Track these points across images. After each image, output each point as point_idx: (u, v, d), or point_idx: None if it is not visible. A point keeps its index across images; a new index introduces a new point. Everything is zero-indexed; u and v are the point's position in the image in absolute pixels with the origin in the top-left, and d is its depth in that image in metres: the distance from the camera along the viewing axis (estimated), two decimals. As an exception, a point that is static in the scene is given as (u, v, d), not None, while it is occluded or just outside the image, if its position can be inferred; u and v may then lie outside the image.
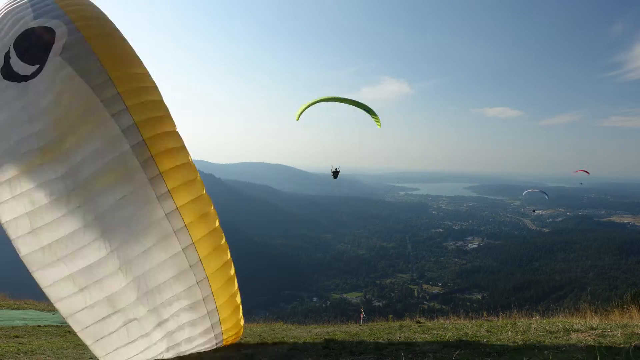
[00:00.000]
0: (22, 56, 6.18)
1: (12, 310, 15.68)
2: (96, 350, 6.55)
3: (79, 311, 6.28)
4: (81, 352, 8.44)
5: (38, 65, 6.11)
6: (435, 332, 6.46)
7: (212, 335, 6.82)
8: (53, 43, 6.13)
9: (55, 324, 13.58)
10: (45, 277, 6.20)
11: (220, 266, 6.91)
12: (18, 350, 8.55)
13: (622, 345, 4.00)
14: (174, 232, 6.25)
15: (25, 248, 6.22)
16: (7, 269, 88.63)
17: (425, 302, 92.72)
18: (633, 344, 4.22)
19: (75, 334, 11.92)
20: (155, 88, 6.70)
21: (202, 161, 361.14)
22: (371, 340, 6.06)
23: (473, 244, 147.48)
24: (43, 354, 8.19)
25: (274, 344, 6.95)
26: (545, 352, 4.17)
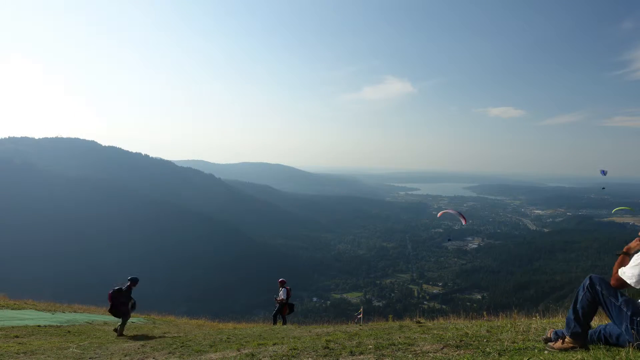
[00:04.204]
0: None
1: (12, 310, 15.68)
2: None
3: None
4: (81, 352, 8.44)
5: None
6: (436, 332, 6.45)
7: None
8: None
9: (55, 324, 13.58)
10: None
11: None
12: (18, 350, 8.54)
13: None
14: None
15: None
16: (7, 269, 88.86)
17: (425, 302, 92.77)
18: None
19: (75, 334, 11.93)
20: None
21: (202, 161, 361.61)
22: (371, 340, 6.06)
23: (473, 244, 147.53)
24: (43, 354, 8.19)
25: (274, 344, 6.95)
26: (545, 352, 4.16)
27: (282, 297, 15.14)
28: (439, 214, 27.43)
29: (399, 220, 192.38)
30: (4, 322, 12.89)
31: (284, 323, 14.90)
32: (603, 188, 26.93)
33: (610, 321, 4.15)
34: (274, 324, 14.75)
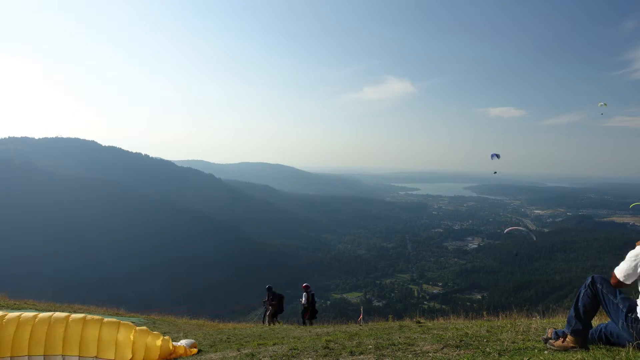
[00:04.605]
0: None
1: (12, 311, 15.67)
2: None
3: None
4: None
5: None
6: (436, 332, 6.45)
7: None
8: None
9: (55, 324, 13.56)
10: None
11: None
12: (18, 350, 8.53)
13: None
14: None
15: None
16: (7, 269, 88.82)
17: (425, 302, 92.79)
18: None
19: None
20: None
21: (202, 161, 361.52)
22: (371, 340, 6.06)
23: (473, 244, 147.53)
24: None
25: (274, 344, 6.95)
26: (545, 352, 4.16)
27: (303, 301, 15.78)
28: (506, 230, 27.81)
29: (399, 220, 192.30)
30: (4, 322, 12.88)
31: (303, 324, 15.18)
32: (495, 172, 26.27)
33: (610, 320, 4.18)
34: (303, 325, 15.00)
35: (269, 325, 15.29)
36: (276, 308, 16.43)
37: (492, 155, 24.10)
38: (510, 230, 27.65)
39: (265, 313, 16.68)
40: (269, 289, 16.79)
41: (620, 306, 3.89)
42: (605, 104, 27.71)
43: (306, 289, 16.04)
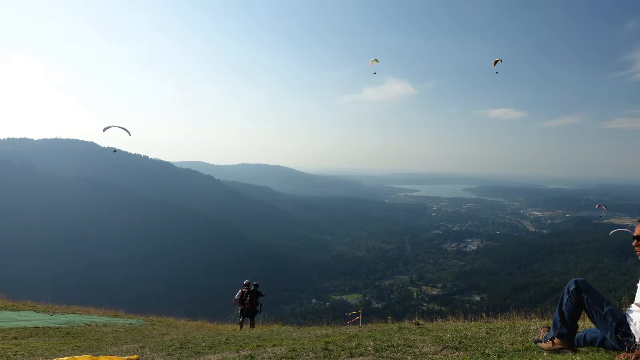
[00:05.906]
0: None
1: (11, 312, 15.66)
2: None
3: None
4: (79, 353, 8.41)
5: None
6: (435, 333, 6.44)
7: None
8: None
9: (53, 326, 13.55)
10: None
11: None
12: (16, 351, 8.53)
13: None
14: None
15: None
16: (6, 270, 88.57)
17: (424, 304, 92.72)
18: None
19: (74, 336, 11.90)
20: None
21: (201, 162, 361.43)
22: (370, 342, 6.05)
23: (472, 245, 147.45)
24: (41, 355, 8.18)
25: (273, 345, 6.94)
26: (545, 353, 4.16)
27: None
28: (611, 232, 28.65)
29: (398, 221, 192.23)
30: (2, 323, 12.87)
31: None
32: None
33: (594, 325, 4.15)
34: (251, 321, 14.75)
35: (240, 328, 14.48)
36: (249, 307, 15.19)
37: None
38: (615, 232, 28.63)
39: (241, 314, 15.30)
40: (247, 284, 15.45)
41: (609, 319, 3.81)
42: (376, 60, 26.72)
43: (247, 286, 15.50)
